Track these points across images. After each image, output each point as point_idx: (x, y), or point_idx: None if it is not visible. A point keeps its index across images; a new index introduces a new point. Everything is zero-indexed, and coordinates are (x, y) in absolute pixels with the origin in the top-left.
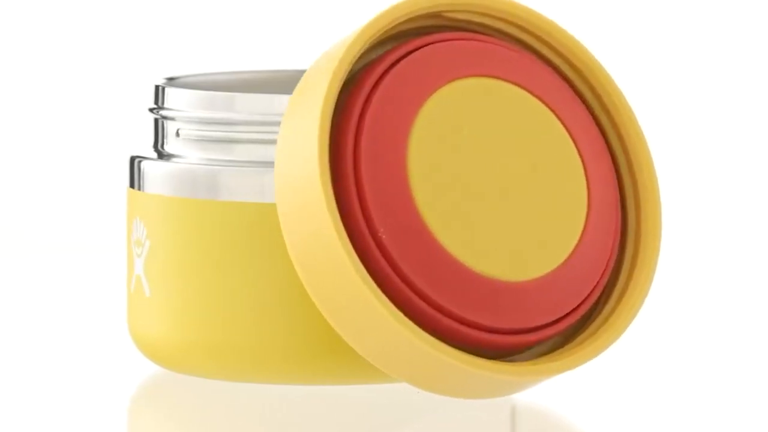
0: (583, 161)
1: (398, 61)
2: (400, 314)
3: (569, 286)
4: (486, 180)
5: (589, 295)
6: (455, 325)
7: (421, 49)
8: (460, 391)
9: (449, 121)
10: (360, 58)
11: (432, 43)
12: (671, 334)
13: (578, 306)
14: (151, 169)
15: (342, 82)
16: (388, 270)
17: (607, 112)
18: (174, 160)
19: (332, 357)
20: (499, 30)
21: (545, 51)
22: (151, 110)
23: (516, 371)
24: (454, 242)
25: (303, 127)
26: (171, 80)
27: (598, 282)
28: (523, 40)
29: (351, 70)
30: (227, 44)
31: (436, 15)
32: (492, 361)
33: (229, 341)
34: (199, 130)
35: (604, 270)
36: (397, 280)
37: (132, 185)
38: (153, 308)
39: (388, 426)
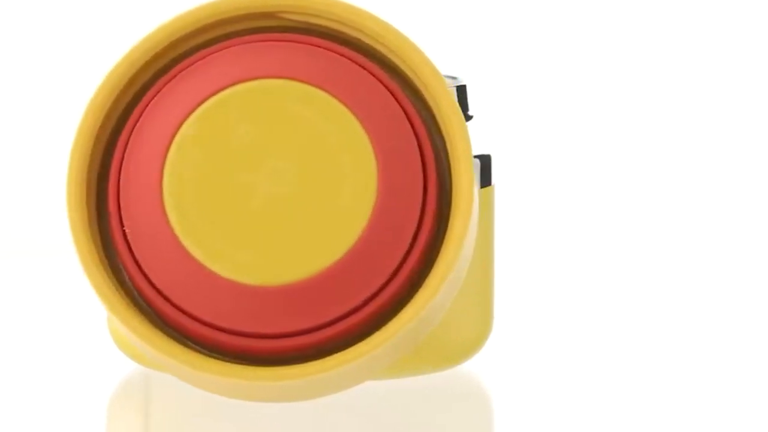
0: (376, 157)
1: (191, 64)
2: (121, 302)
3: (340, 288)
4: (257, 183)
5: (374, 295)
6: (193, 325)
7: (221, 51)
8: (216, 390)
9: (225, 124)
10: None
11: (230, 46)
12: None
13: (359, 307)
14: None
15: (124, 79)
16: (133, 267)
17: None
18: None
19: None
20: (338, 32)
21: (383, 50)
22: None
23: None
24: (199, 244)
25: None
26: None
27: (389, 280)
28: (361, 41)
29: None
30: None
31: (270, 15)
32: (224, 362)
33: None
34: None
35: (399, 267)
36: (140, 277)
37: None
38: None
39: (375, 425)
